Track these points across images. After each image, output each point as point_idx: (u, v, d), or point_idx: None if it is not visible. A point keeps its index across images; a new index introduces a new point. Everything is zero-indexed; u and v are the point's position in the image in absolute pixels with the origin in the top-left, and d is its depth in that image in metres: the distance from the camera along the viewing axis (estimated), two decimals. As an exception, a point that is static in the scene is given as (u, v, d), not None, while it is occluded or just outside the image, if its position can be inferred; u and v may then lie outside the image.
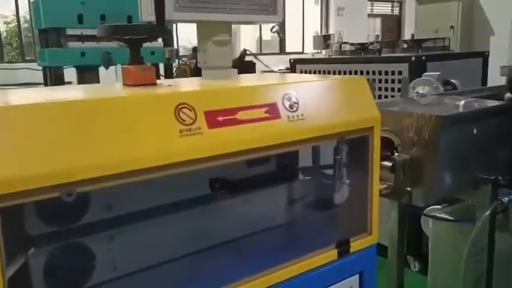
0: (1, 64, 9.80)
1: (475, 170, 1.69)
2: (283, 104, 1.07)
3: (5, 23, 12.14)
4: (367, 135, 1.26)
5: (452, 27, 4.78)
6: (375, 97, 1.53)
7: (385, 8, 14.85)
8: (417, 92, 2.24)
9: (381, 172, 1.64)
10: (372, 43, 3.50)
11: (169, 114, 0.91)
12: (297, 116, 1.09)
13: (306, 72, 3.61)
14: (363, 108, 1.24)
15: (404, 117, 1.62)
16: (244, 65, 9.32)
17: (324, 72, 3.46)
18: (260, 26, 13.29)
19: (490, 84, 3.21)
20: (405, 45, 3.25)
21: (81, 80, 5.58)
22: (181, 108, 0.93)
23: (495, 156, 1.76)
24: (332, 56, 3.58)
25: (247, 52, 9.26)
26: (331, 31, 13.59)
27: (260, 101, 1.03)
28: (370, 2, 14.23)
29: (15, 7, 10.31)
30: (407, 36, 15.00)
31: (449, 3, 4.85)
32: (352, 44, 3.63)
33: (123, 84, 1.13)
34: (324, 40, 13.36)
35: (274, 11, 1.60)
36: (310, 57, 4.12)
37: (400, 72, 2.91)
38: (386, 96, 2.97)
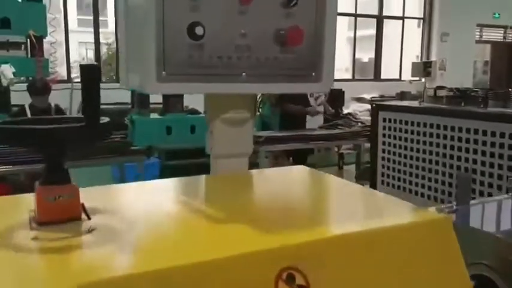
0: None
1: None
2: None
3: (107, 44, 12.77)
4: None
5: None
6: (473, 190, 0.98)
7: (496, 34, 13.45)
8: (537, 180, 1.59)
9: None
10: (475, 90, 2.81)
11: None
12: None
13: (390, 122, 3.01)
14: (440, 279, 0.67)
15: (507, 249, 1.02)
16: (331, 94, 8.76)
17: (413, 124, 2.83)
18: (354, 46, 12.63)
19: None
20: (521, 97, 2.53)
21: (166, 104, 5.49)
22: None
23: None
24: (424, 104, 2.95)
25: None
26: (432, 58, 12.55)
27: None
28: (478, 28, 12.96)
29: (115, 30, 10.74)
30: (522, 66, 13.43)
31: None
32: (450, 90, 2.97)
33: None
34: (424, 67, 12.35)
35: (318, 76, 1.10)
36: (396, 103, 3.50)
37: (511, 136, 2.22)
38: (491, 166, 2.28)
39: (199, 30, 0.96)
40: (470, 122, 2.43)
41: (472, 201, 1.33)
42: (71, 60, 9.96)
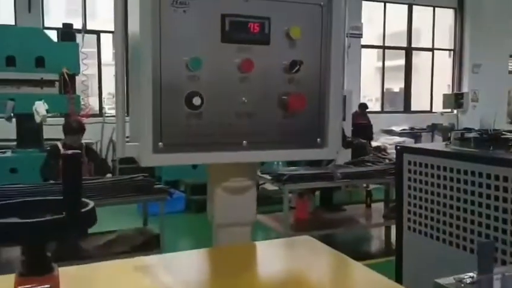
0: None
1: None
2: None
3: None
4: None
5: None
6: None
7: (531, 65, 13.12)
8: None
9: None
10: (504, 133, 2.69)
11: None
12: None
13: (415, 165, 2.90)
14: None
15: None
16: (359, 126, 8.68)
17: (439, 168, 2.71)
18: (383, 78, 12.51)
19: None
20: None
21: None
22: None
23: None
24: (451, 147, 2.84)
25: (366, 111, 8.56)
26: (464, 89, 12.32)
27: None
28: (511, 58, 12.69)
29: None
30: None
31: None
32: (478, 132, 2.85)
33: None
34: (455, 99, 12.12)
35: (323, 142, 1.05)
36: (421, 146, 3.41)
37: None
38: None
39: (196, 101, 0.94)
40: (499, 169, 2.31)
41: (497, 269, 1.23)
42: (106, 93, 10.19)
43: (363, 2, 11.29)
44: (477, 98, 11.91)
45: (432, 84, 12.83)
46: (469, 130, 2.96)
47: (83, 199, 0.68)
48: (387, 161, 5.39)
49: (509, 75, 12.77)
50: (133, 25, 0.94)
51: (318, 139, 1.05)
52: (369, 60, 13.11)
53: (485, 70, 12.00)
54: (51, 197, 0.69)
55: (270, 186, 6.44)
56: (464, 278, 1.19)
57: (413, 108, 12.79)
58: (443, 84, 12.96)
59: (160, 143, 0.94)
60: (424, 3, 12.07)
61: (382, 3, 11.80)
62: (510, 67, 12.77)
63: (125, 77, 0.92)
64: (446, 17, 12.69)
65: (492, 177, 2.34)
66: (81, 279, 0.70)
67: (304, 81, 1.04)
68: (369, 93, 13.90)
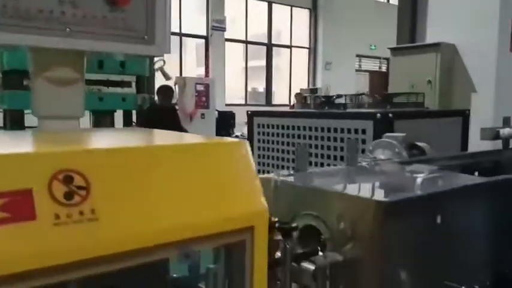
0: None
1: (440, 277, 1.16)
2: (49, 190, 0.56)
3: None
4: (242, 242, 0.73)
5: (429, 82, 4.36)
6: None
7: (373, 64, 14.77)
8: (374, 158, 1.75)
9: (301, 278, 1.12)
10: (339, 96, 3.05)
11: None
12: (81, 213, 0.57)
13: (263, 127, 3.15)
14: (233, 195, 0.72)
15: (335, 200, 1.11)
16: (223, 116, 8.96)
17: (283, 127, 3.00)
18: (246, 75, 12.98)
19: (471, 149, 2.74)
20: (373, 101, 2.81)
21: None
22: None
23: (471, 257, 1.24)
24: (294, 109, 3.13)
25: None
26: (318, 85, 13.40)
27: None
28: (358, 58, 14.14)
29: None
30: (396, 92, 14.80)
31: (426, 56, 4.44)
32: (317, 97, 3.19)
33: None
34: (310, 93, 13.14)
35: (151, 40, 1.11)
36: (270, 109, 3.68)
37: (364, 131, 2.43)
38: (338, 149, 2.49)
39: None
40: (331, 122, 2.65)
41: (313, 170, 1.42)
42: None
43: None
44: (329, 92, 13.01)
45: (291, 80, 13.72)
46: (316, 96, 3.31)
47: None
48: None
49: (356, 73, 14.21)
50: None
51: (146, 36, 1.10)
52: (236, 60, 13.56)
53: (336, 68, 13.19)
54: None
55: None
56: (284, 174, 1.35)
57: (274, 103, 13.52)
58: (304, 81, 13.93)
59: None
60: (282, 2, 12.85)
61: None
62: (356, 66, 14.21)
63: None
64: (303, 16, 13.66)
65: (326, 129, 2.66)
66: None
67: (129, -24, 1.08)
68: (237, 93, 14.38)
